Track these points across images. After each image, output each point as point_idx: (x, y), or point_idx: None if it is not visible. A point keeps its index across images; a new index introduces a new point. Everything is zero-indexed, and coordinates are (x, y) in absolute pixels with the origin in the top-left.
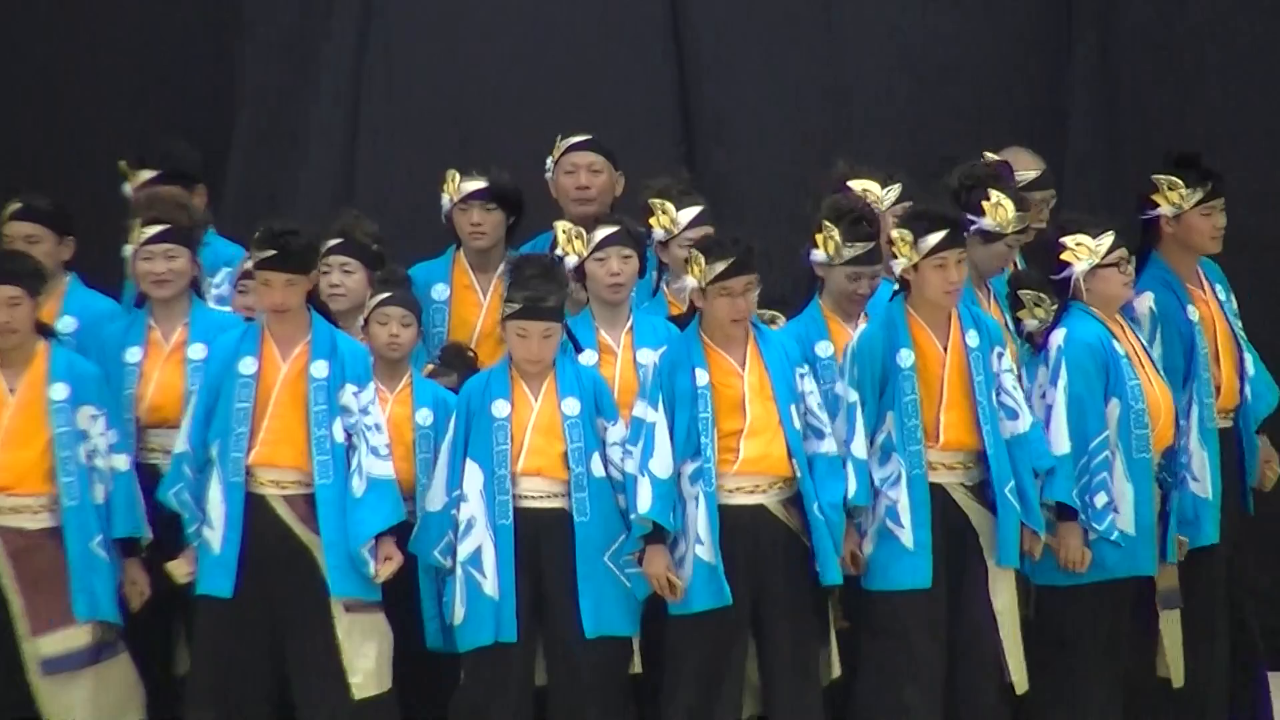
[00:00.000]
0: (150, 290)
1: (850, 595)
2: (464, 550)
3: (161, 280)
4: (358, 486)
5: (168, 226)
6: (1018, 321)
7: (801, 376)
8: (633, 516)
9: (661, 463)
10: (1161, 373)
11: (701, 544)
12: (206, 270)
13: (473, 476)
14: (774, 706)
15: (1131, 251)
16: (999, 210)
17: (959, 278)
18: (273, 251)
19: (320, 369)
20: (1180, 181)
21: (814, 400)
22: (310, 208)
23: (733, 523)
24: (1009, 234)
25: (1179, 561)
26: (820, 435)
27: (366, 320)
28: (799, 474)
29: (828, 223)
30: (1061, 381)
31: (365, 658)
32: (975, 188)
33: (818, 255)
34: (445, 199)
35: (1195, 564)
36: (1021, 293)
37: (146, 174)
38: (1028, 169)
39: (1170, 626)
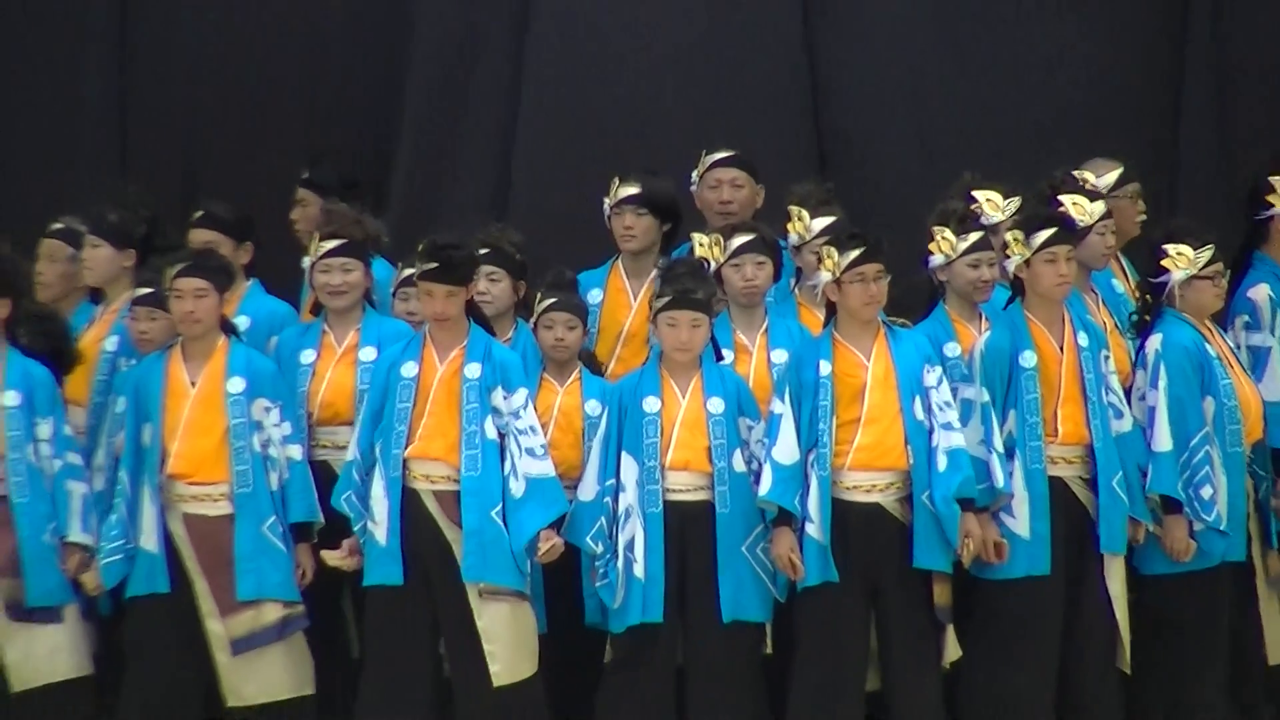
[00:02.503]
0: (326, 300)
1: (963, 584)
2: (624, 538)
3: (337, 291)
4: (516, 488)
5: (344, 241)
6: (1140, 322)
7: (929, 371)
8: (758, 499)
9: (785, 450)
10: (1248, 373)
11: (812, 523)
12: (259, 328)
13: (629, 468)
14: (892, 685)
15: (1229, 256)
16: (1076, 207)
17: (1069, 271)
18: (435, 264)
19: (474, 370)
20: None
21: (942, 395)
22: (465, 224)
23: (851, 518)
24: (1095, 224)
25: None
26: (948, 428)
27: (535, 324)
28: (913, 462)
29: (938, 226)
30: (1162, 383)
31: (505, 645)
32: (1053, 196)
33: (936, 259)
34: (606, 204)
35: None
36: (1148, 297)
37: (204, 233)
38: (1108, 171)
39: (1271, 609)
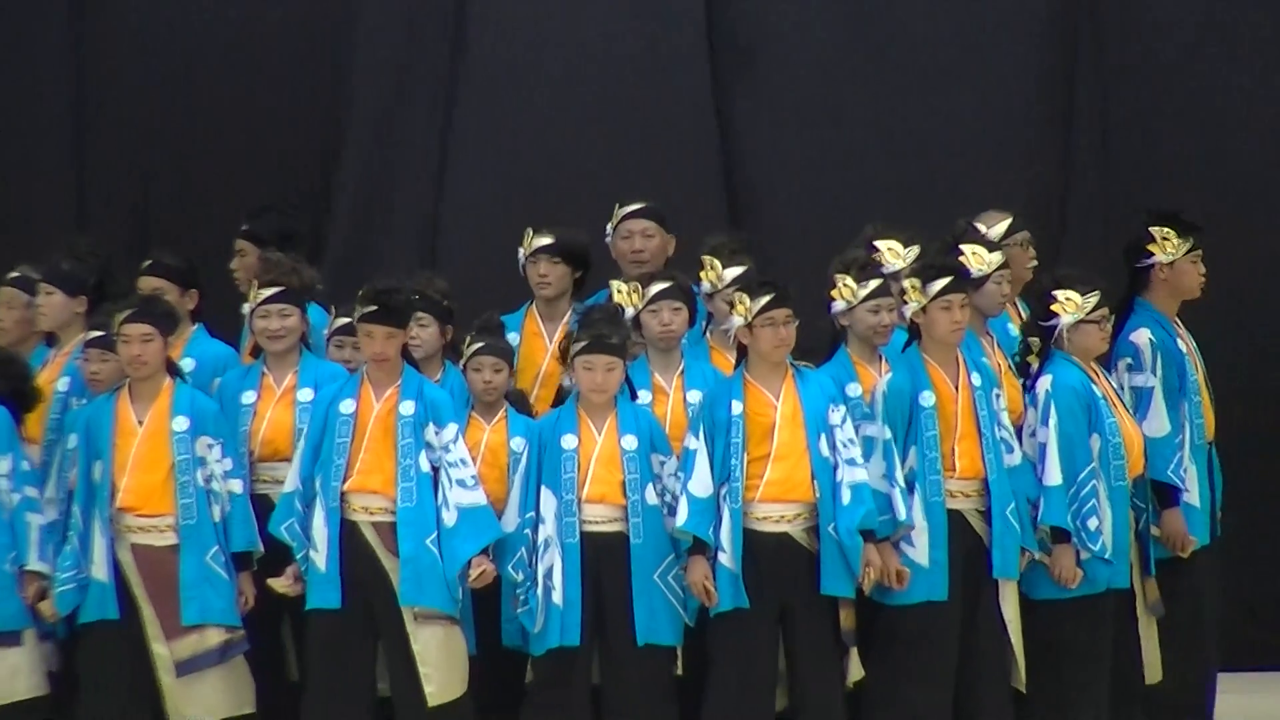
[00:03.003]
0: (265, 344)
1: (867, 609)
2: (543, 566)
3: (275, 335)
4: (448, 518)
5: (282, 289)
6: (1026, 365)
7: (834, 411)
8: (673, 530)
9: (700, 483)
10: (1131, 412)
11: (724, 552)
12: (203, 370)
13: (548, 501)
14: (800, 704)
15: (1114, 302)
16: (975, 257)
17: (963, 318)
18: (375, 307)
19: (408, 407)
20: (1173, 232)
21: (846, 433)
22: (396, 271)
23: (761, 547)
24: (991, 273)
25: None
26: (852, 464)
27: (464, 366)
28: (819, 495)
29: (839, 274)
30: (1052, 421)
31: (437, 667)
32: (954, 246)
33: (838, 304)
34: (521, 253)
35: (1179, 574)
36: (1030, 340)
37: (151, 280)
38: (998, 222)
39: (1149, 632)
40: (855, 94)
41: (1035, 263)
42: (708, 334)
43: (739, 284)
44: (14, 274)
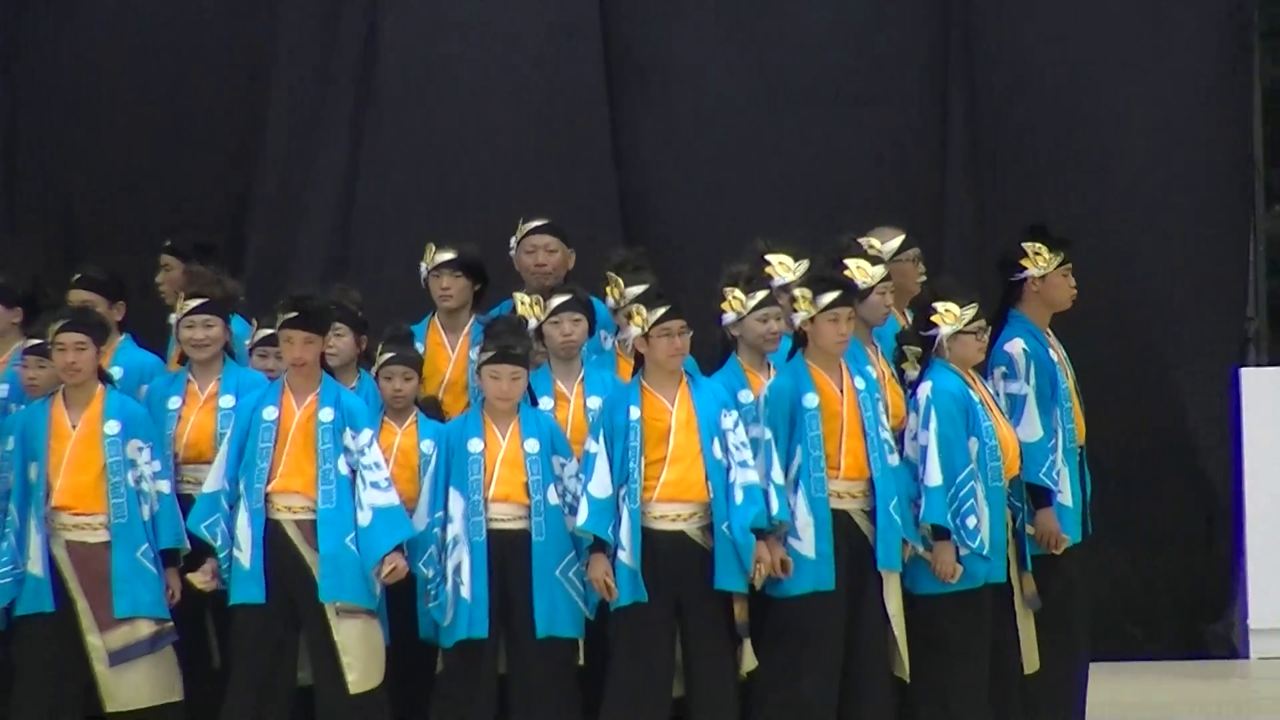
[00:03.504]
0: (190, 353)
1: (760, 603)
2: (451, 563)
3: (200, 344)
4: (363, 518)
5: (206, 300)
6: (901, 372)
7: (726, 415)
8: (575, 529)
9: (599, 485)
10: (1006, 417)
11: (624, 549)
12: (130, 377)
13: (456, 501)
14: (695, 692)
15: (990, 314)
16: (860, 271)
17: (848, 330)
18: (294, 313)
19: (327, 414)
20: (1045, 247)
21: (738, 436)
22: (309, 278)
23: (657, 544)
24: (875, 285)
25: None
26: (744, 465)
27: (376, 374)
28: (712, 496)
29: (729, 287)
30: (932, 425)
31: (358, 657)
32: (839, 260)
33: (729, 316)
34: (423, 267)
35: (1052, 569)
36: (906, 348)
37: (81, 293)
38: (892, 238)
39: (1026, 625)
40: (744, 115)
41: (924, 277)
42: (617, 344)
43: (637, 298)
44: None
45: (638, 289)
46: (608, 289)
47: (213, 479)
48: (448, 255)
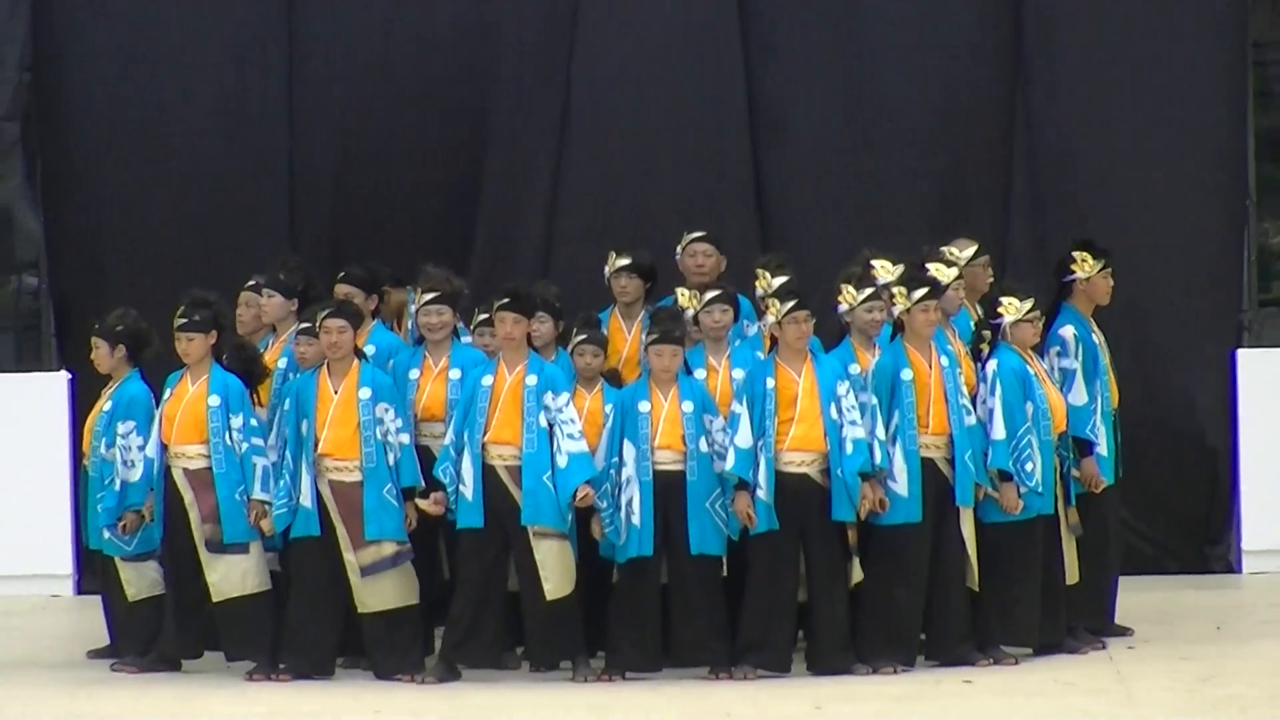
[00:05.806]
0: (426, 335)
1: (864, 529)
2: (624, 497)
3: (434, 328)
4: (561, 460)
5: (439, 293)
6: (979, 352)
7: (840, 385)
8: (723, 472)
9: (743, 437)
10: (1058, 387)
11: (761, 489)
12: (380, 354)
13: (628, 450)
14: (814, 598)
15: (1045, 306)
16: (939, 272)
17: (935, 318)
18: (507, 299)
19: (532, 380)
20: (1089, 255)
21: (849, 401)
22: (520, 278)
23: (786, 484)
24: (951, 283)
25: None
26: (854, 424)
27: (571, 351)
28: (829, 447)
29: (843, 284)
30: (997, 392)
31: (553, 570)
32: (924, 264)
33: (843, 307)
34: (606, 270)
35: (1091, 504)
36: (982, 333)
37: (344, 287)
38: (967, 247)
39: (1069, 547)
40: (853, 154)
41: (992, 278)
42: (764, 328)
43: (775, 292)
44: (250, 282)
45: (780, 280)
46: (757, 281)
47: (448, 434)
48: (625, 260)
